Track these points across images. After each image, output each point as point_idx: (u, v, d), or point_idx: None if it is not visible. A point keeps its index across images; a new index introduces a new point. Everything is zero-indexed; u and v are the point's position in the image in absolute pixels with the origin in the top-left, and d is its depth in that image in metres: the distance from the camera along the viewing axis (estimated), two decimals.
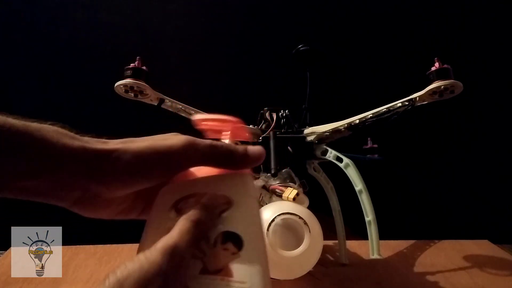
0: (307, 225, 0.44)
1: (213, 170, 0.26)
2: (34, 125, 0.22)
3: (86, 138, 0.24)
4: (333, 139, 0.63)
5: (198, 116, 0.28)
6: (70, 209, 0.25)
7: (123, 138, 0.25)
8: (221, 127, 0.28)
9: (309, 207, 0.50)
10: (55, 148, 0.22)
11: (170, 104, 0.58)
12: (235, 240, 0.22)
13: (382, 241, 0.58)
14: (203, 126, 0.30)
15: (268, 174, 0.54)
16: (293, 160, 0.59)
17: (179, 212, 0.23)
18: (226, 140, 0.29)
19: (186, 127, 0.63)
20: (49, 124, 0.23)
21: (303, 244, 0.44)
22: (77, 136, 0.23)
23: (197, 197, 0.23)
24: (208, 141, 0.25)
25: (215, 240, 0.22)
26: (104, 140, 0.24)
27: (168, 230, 0.21)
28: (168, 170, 0.25)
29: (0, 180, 0.21)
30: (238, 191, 0.24)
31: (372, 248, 0.58)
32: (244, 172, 0.26)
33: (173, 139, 0.25)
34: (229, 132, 0.29)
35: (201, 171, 0.26)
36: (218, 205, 0.23)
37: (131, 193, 0.26)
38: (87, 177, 0.23)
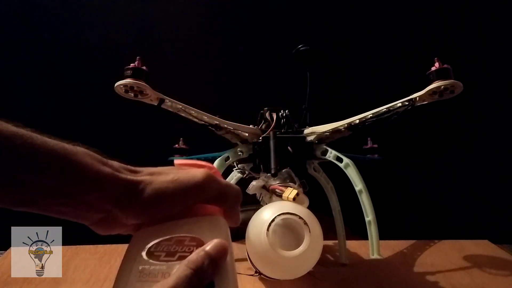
0: (307, 225, 0.44)
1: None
2: (71, 149, 0.23)
3: (116, 165, 0.25)
4: (333, 139, 0.63)
5: (177, 161, 0.30)
6: (89, 227, 0.26)
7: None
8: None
9: (309, 207, 0.49)
10: (89, 174, 0.23)
11: (170, 104, 0.58)
12: (207, 285, 0.22)
13: (382, 241, 0.58)
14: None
15: (268, 174, 0.54)
16: (293, 160, 0.59)
17: (152, 255, 0.24)
18: None
19: (186, 127, 0.63)
20: (81, 147, 0.24)
21: (303, 244, 0.44)
22: (108, 162, 0.25)
23: (173, 241, 0.24)
24: (224, 180, 0.28)
25: None
26: (134, 169, 0.26)
27: (140, 273, 0.22)
28: (186, 203, 0.26)
29: (32, 197, 0.22)
30: (214, 235, 0.25)
31: (372, 248, 0.58)
32: (216, 215, 0.27)
33: (195, 173, 0.26)
34: None
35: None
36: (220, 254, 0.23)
37: None
38: (113, 203, 0.24)
